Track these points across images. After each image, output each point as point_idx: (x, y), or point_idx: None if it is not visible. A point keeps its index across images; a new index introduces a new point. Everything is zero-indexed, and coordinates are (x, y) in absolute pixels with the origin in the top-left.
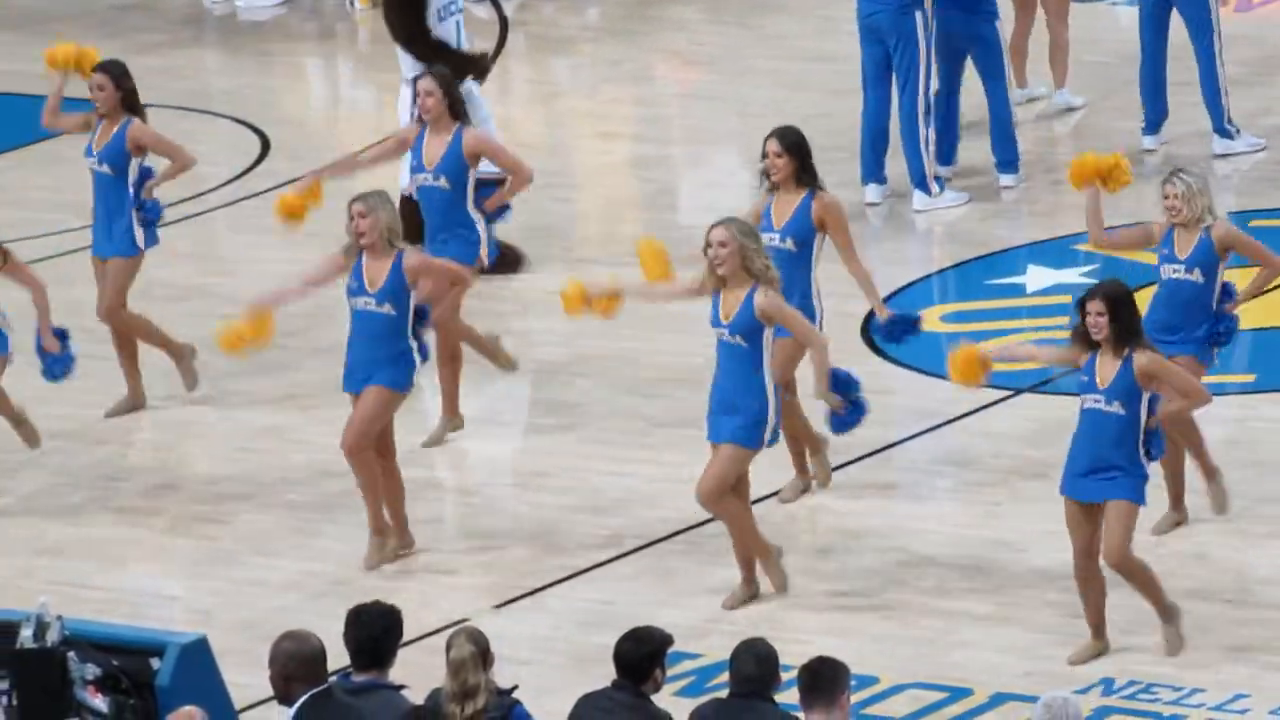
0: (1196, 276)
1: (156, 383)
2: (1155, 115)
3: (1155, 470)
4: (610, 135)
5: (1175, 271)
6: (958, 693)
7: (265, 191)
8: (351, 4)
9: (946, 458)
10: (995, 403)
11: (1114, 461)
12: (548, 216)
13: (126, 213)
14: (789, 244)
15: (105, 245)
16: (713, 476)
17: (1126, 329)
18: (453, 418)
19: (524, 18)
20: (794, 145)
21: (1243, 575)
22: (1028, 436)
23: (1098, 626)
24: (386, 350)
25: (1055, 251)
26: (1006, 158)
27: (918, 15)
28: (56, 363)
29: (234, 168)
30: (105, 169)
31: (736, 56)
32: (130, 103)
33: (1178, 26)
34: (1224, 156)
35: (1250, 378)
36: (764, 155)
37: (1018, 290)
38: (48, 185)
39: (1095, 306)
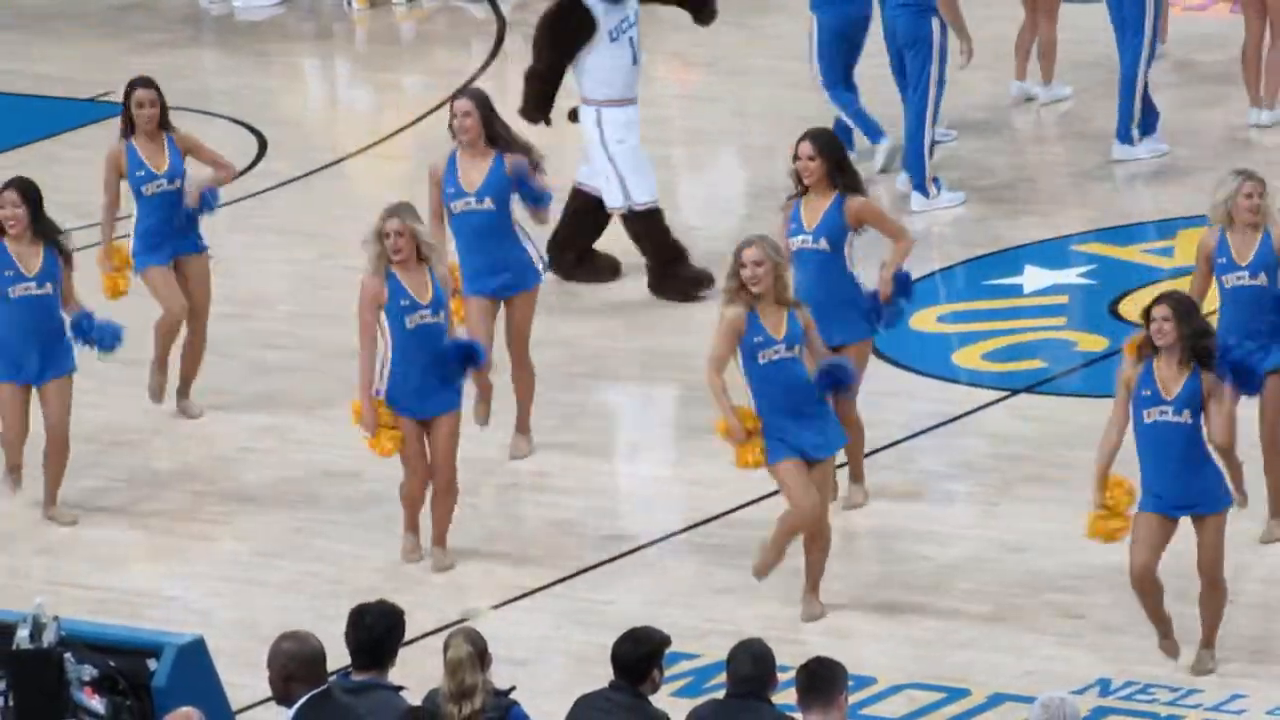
0: (1262, 280)
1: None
2: (1146, 120)
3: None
4: None
5: (1239, 279)
6: (955, 693)
7: (262, 191)
8: (349, 4)
9: (944, 458)
10: (993, 403)
11: (1193, 471)
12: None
13: (195, 220)
14: (822, 244)
15: (188, 247)
16: (827, 496)
17: (1194, 331)
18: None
19: (521, 18)
20: (827, 147)
21: (1240, 575)
22: (1026, 437)
23: (1168, 623)
24: (443, 368)
25: (1052, 252)
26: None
27: (934, 20)
28: (106, 333)
29: None
30: (177, 185)
31: (736, 57)
32: (165, 118)
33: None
34: (1120, 162)
35: None
36: (795, 158)
37: (1015, 290)
38: (49, 185)
39: (1161, 312)
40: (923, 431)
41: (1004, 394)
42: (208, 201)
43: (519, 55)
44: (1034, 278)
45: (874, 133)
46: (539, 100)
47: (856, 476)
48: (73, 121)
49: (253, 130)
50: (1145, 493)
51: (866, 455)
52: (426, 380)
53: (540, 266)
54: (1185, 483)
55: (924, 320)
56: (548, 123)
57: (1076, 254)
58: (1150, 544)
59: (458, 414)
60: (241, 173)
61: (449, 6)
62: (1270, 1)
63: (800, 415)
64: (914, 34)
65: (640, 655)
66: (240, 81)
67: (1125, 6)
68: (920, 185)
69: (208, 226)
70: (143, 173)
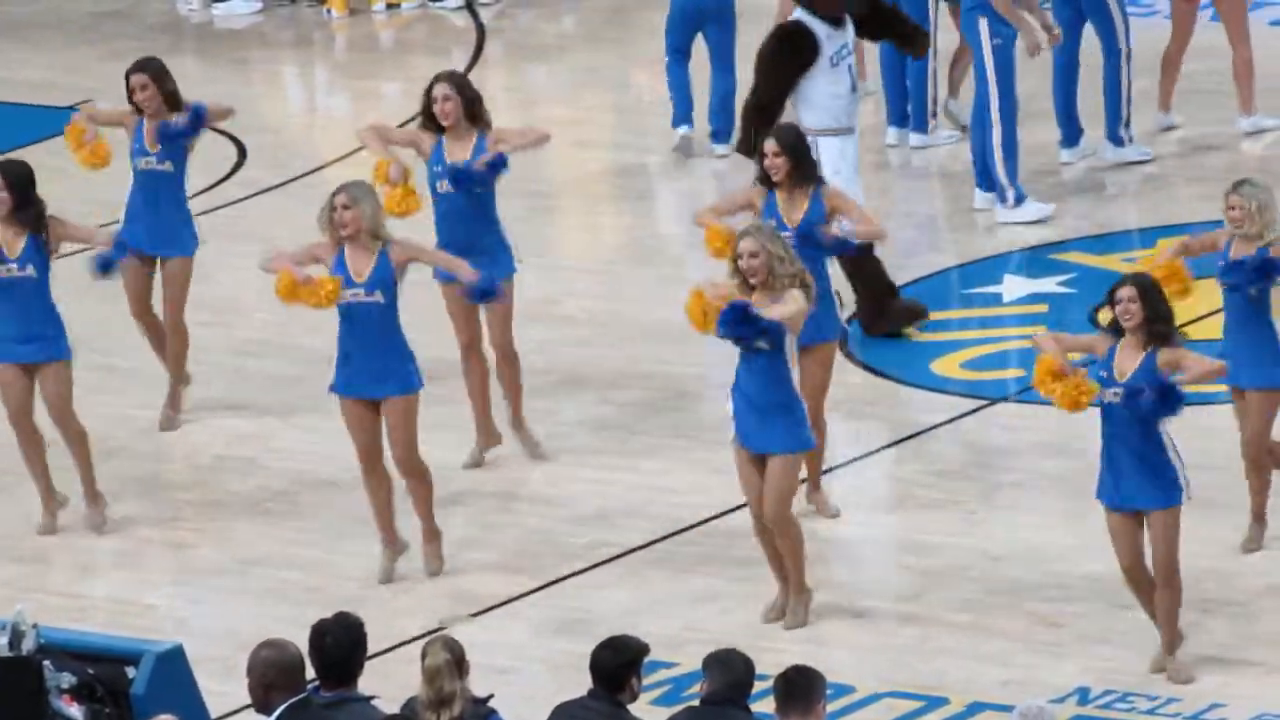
0: (1253, 292)
1: (134, 390)
2: (1070, 130)
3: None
4: (588, 143)
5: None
6: (934, 702)
7: (242, 199)
8: (328, 12)
9: (923, 467)
10: (971, 412)
11: (1147, 460)
12: (526, 224)
13: (186, 210)
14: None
15: (168, 245)
16: (780, 493)
17: (1157, 314)
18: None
19: (501, 25)
20: (790, 144)
21: (1218, 583)
22: (1004, 446)
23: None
24: (384, 350)
25: (1031, 261)
26: (721, 128)
27: (982, 21)
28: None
29: (211, 175)
30: (167, 165)
31: None
32: (173, 102)
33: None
34: (1110, 166)
35: (1226, 388)
36: (761, 156)
37: (994, 299)
38: None
39: (1127, 292)
40: (902, 440)
41: (983, 403)
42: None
43: (499, 63)
44: (1013, 286)
45: (682, 118)
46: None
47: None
48: (51, 129)
49: (232, 138)
50: (1103, 481)
51: (845, 463)
52: (369, 362)
53: (515, 257)
54: (1140, 473)
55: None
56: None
57: (1055, 262)
58: (1121, 543)
59: (410, 398)
60: (220, 180)
61: (429, 14)
62: (1222, 8)
63: (759, 409)
64: (968, 33)
65: (619, 664)
66: (219, 89)
67: (1096, 13)
68: (992, 186)
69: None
70: (137, 145)
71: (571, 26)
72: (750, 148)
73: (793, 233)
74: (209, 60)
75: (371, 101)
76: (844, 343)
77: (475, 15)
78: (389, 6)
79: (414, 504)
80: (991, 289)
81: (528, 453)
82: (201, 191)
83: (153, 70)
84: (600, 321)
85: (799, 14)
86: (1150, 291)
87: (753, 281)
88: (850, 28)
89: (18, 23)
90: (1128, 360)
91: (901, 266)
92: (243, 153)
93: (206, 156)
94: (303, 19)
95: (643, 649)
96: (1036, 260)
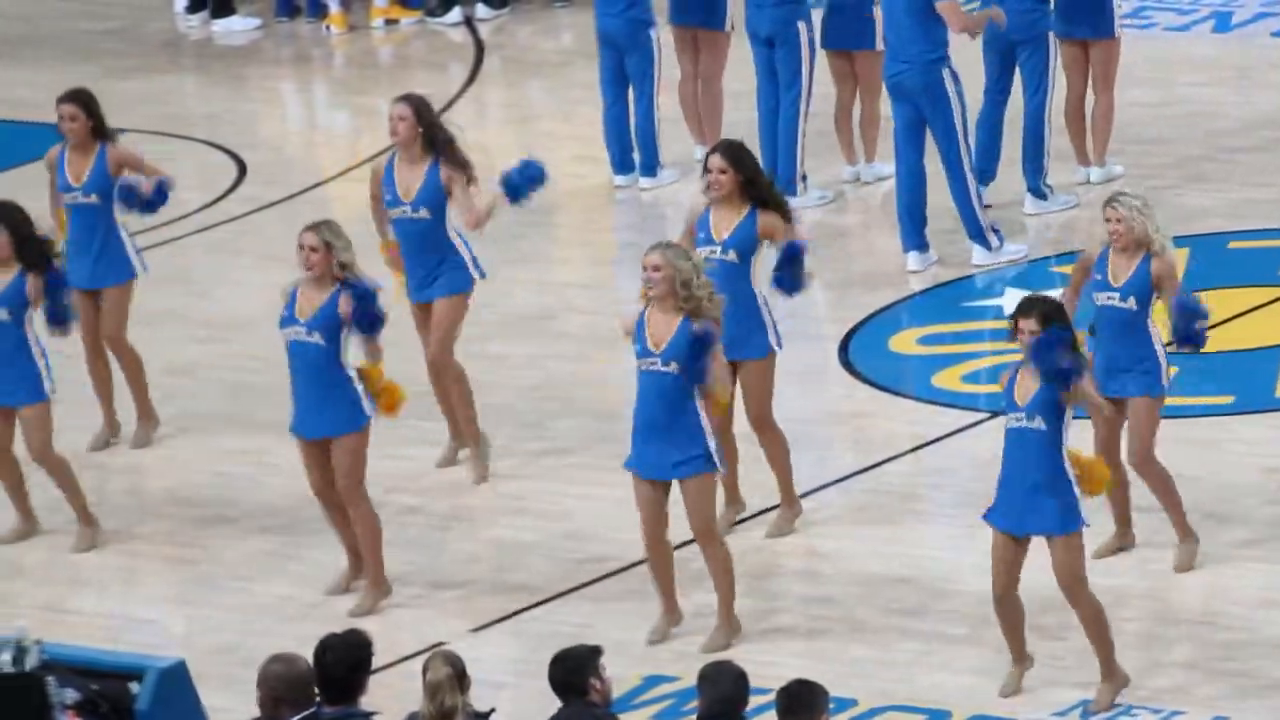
0: (1131, 304)
1: (130, 406)
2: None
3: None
4: (587, 158)
5: (1110, 299)
6: (936, 715)
7: (241, 216)
8: (327, 28)
9: (924, 480)
10: (970, 426)
11: (1039, 484)
12: (524, 240)
13: (118, 238)
14: (731, 255)
15: (105, 277)
16: (697, 516)
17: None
18: (457, 439)
19: (499, 41)
20: (738, 160)
21: (1216, 597)
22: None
23: (1021, 652)
24: (326, 389)
25: (1031, 274)
26: (648, 160)
27: (945, 73)
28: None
29: (210, 192)
30: (94, 199)
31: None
32: (100, 130)
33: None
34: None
35: (1228, 399)
36: (705, 170)
37: (995, 312)
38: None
39: (1028, 324)
40: (903, 454)
41: (984, 416)
42: (161, 193)
43: (497, 79)
44: (1014, 300)
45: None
46: None
47: (785, 501)
48: (49, 147)
49: (232, 154)
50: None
51: (844, 477)
52: (307, 399)
53: (475, 272)
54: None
55: (904, 342)
56: None
57: (1055, 275)
58: (1000, 565)
59: (356, 435)
60: (220, 197)
61: (427, 30)
62: (1094, 55)
63: (651, 430)
64: (927, 90)
65: (569, 670)
66: (219, 106)
67: (781, 59)
68: (979, 235)
69: (183, 249)
70: (62, 182)
71: (570, 42)
72: None
73: (718, 245)
74: (208, 77)
75: (370, 117)
76: (844, 356)
77: (474, 31)
78: (388, 22)
79: (355, 543)
80: (991, 302)
81: (473, 475)
82: (201, 208)
83: (81, 99)
84: (596, 336)
85: None
86: (1048, 317)
87: (651, 294)
88: None
89: (14, 41)
90: (1027, 383)
91: (900, 282)
92: (242, 169)
93: (206, 173)
94: (302, 35)
95: (593, 650)
96: (1036, 273)
